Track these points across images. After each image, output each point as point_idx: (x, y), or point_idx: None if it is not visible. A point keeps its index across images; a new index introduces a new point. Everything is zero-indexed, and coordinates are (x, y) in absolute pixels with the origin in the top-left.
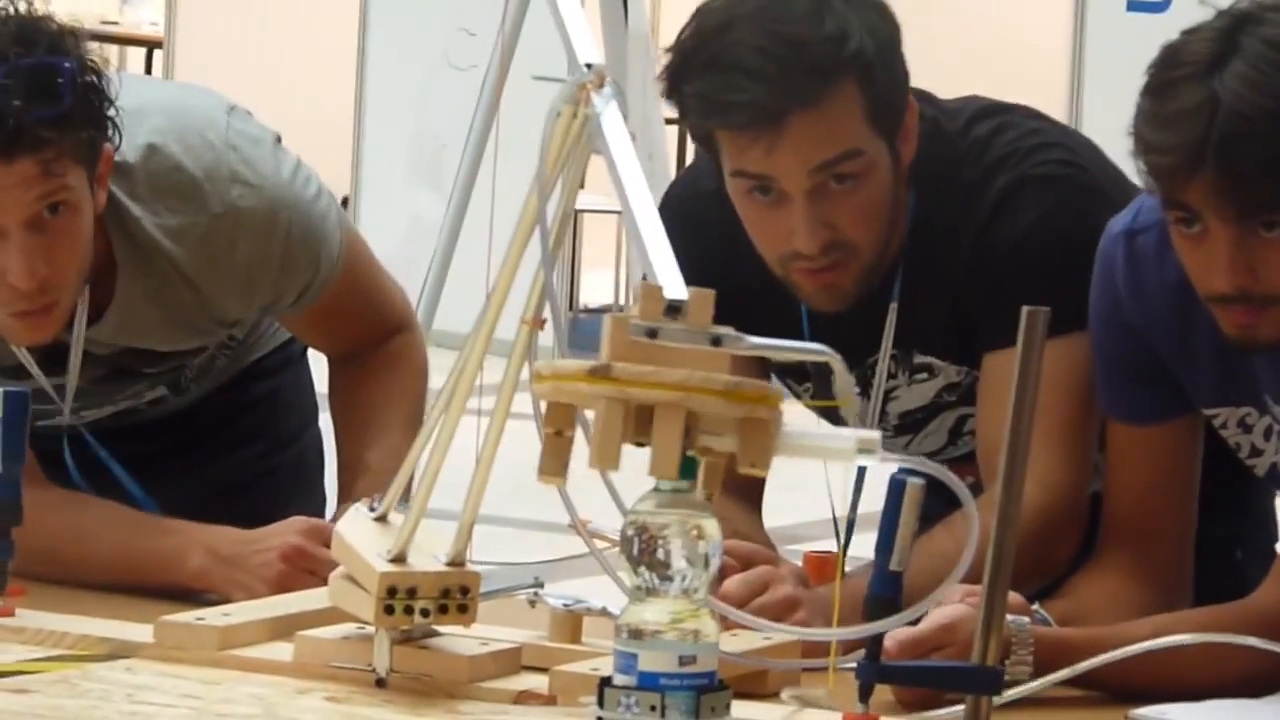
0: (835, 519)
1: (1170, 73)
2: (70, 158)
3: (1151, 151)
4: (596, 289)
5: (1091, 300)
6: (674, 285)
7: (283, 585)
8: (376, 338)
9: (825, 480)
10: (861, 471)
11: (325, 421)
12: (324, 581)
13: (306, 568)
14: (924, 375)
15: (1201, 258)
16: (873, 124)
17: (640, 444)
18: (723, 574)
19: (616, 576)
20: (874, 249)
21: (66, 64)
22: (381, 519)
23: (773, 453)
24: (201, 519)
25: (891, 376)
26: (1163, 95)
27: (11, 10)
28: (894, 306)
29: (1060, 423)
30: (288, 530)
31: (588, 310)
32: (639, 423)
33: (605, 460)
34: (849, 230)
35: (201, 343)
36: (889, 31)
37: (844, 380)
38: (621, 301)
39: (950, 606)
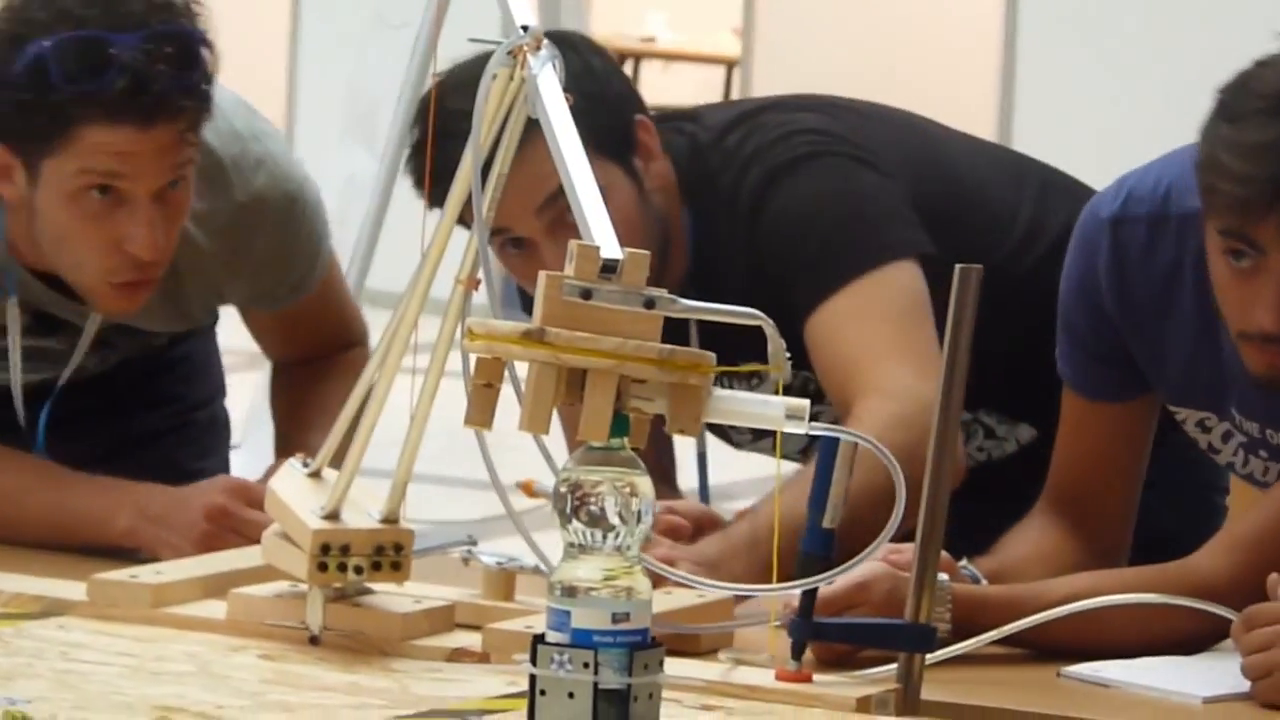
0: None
1: (1248, 103)
2: (195, 129)
3: (1226, 179)
4: None
5: (1065, 274)
6: (609, 245)
7: (207, 544)
8: (332, 349)
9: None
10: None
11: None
12: (249, 541)
13: (231, 527)
14: (756, 380)
15: (1248, 293)
16: (594, 150)
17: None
18: (667, 533)
19: (530, 540)
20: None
21: (201, 33)
22: (315, 475)
23: (702, 418)
24: (118, 471)
25: None
26: (1241, 125)
27: None
28: (693, 324)
29: (899, 340)
30: (213, 489)
31: None
32: (570, 384)
33: (536, 424)
34: None
35: (190, 328)
36: (590, 65)
37: (775, 344)
38: None
39: (868, 564)
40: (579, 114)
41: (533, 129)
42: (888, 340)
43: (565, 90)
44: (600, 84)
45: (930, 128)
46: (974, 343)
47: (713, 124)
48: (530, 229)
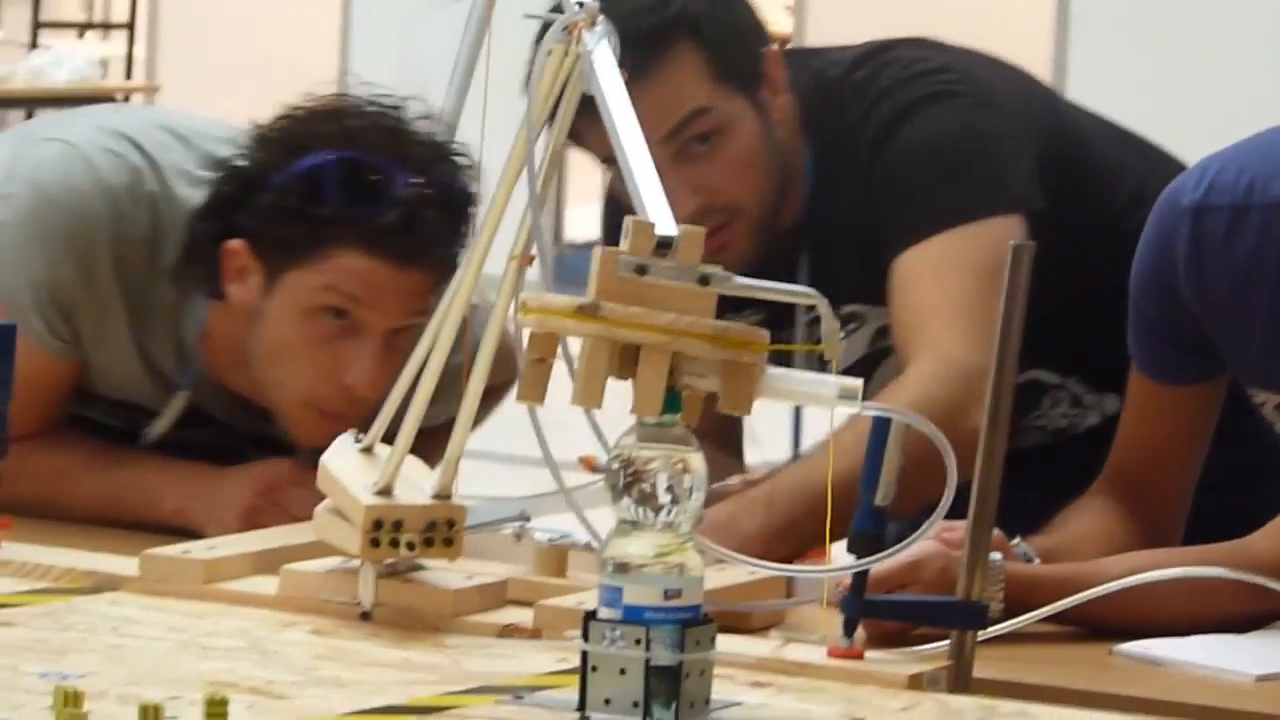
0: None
1: None
2: (444, 282)
3: None
4: (581, 225)
5: (1138, 257)
6: (664, 222)
7: (253, 521)
8: None
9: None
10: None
11: None
12: (295, 518)
13: (278, 503)
14: (854, 325)
15: None
16: (720, 80)
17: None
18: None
19: (582, 516)
20: (760, 204)
21: (475, 193)
22: (367, 451)
23: (755, 396)
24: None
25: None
26: None
27: (429, 126)
28: (805, 259)
29: (964, 300)
30: (260, 467)
31: (573, 246)
32: (624, 359)
33: (588, 398)
34: (724, 188)
35: None
36: None
37: (829, 324)
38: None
39: (921, 542)
40: (712, 43)
41: (660, 54)
42: (962, 301)
43: (697, 20)
44: (733, 14)
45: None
46: (1073, 306)
47: (839, 59)
48: (655, 157)
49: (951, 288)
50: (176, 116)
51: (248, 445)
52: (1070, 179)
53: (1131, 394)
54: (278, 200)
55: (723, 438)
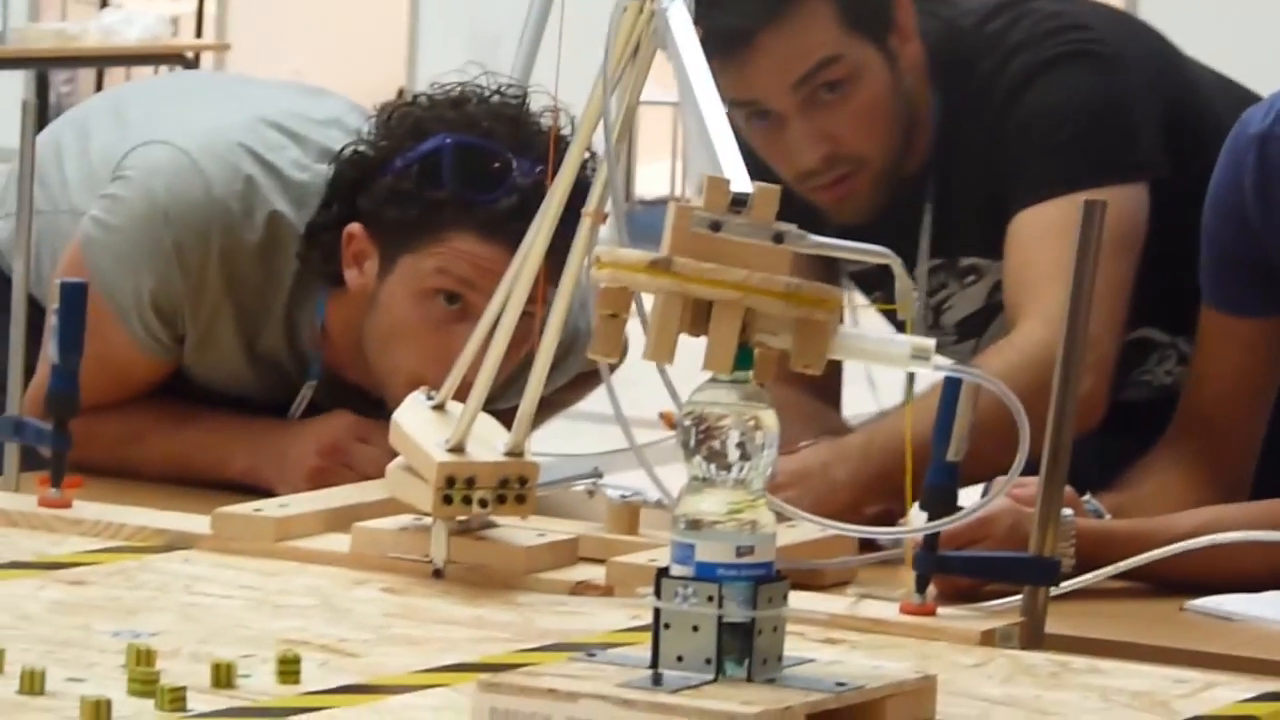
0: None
1: None
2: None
3: None
4: (652, 181)
5: (1211, 186)
6: (740, 179)
7: (319, 480)
8: None
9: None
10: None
11: None
12: (361, 476)
13: (343, 462)
14: (972, 278)
15: None
16: (852, 27)
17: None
18: None
19: (653, 473)
20: (885, 154)
21: (588, 179)
22: (440, 408)
23: (827, 354)
24: None
25: (942, 286)
26: None
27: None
28: (929, 208)
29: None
30: (326, 425)
31: (644, 202)
32: (696, 316)
33: (660, 353)
34: (850, 139)
35: None
36: None
37: (903, 283)
38: (678, 193)
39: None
40: None
41: (791, 2)
42: (1068, 265)
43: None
44: None
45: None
46: (1185, 267)
47: (973, 8)
48: (782, 104)
49: (1068, 252)
50: (280, 106)
51: None
52: (1191, 141)
53: (1202, 331)
54: (395, 184)
55: (819, 388)
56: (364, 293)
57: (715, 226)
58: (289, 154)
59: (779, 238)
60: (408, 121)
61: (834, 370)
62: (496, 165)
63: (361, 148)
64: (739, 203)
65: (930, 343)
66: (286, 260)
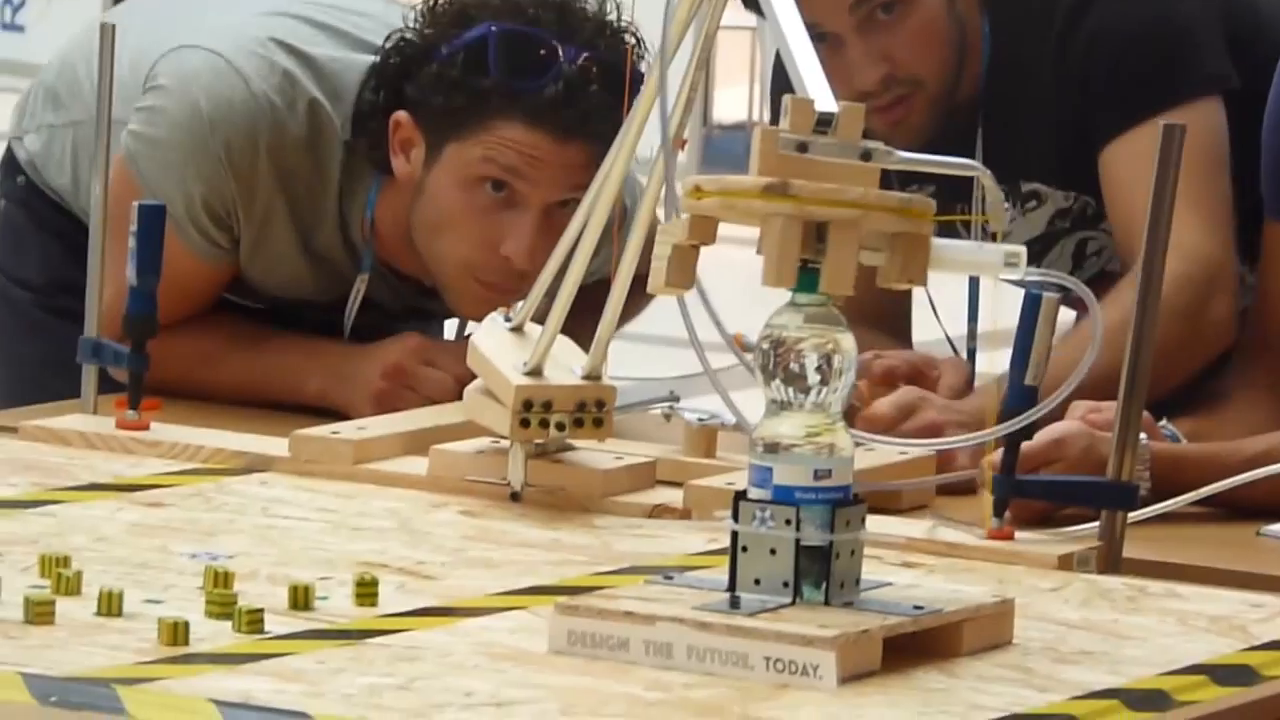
0: (949, 338)
1: None
2: (603, 157)
3: None
4: (729, 106)
5: (1271, 97)
6: (824, 98)
7: (384, 403)
8: None
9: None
10: (975, 290)
11: None
12: (426, 400)
13: (407, 385)
14: (1033, 204)
15: None
16: None
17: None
18: (883, 379)
19: (727, 397)
20: (940, 78)
21: (638, 69)
22: (517, 330)
23: (928, 267)
24: None
25: None
26: None
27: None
28: (980, 135)
29: (1192, 190)
30: (392, 347)
31: (721, 127)
32: (805, 237)
33: (783, 278)
34: (907, 60)
35: None
36: None
37: (994, 195)
38: (754, 118)
39: (1062, 422)
40: None
41: None
42: (1182, 189)
43: None
44: None
45: None
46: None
47: None
48: (840, 25)
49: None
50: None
51: (402, 326)
52: (1250, 53)
53: (1267, 248)
54: (441, 71)
55: (890, 325)
56: (411, 181)
57: (802, 148)
58: (324, 47)
59: (866, 155)
60: (453, 9)
61: (904, 307)
62: (542, 52)
63: (408, 35)
64: (824, 123)
65: (1022, 249)
66: (332, 152)
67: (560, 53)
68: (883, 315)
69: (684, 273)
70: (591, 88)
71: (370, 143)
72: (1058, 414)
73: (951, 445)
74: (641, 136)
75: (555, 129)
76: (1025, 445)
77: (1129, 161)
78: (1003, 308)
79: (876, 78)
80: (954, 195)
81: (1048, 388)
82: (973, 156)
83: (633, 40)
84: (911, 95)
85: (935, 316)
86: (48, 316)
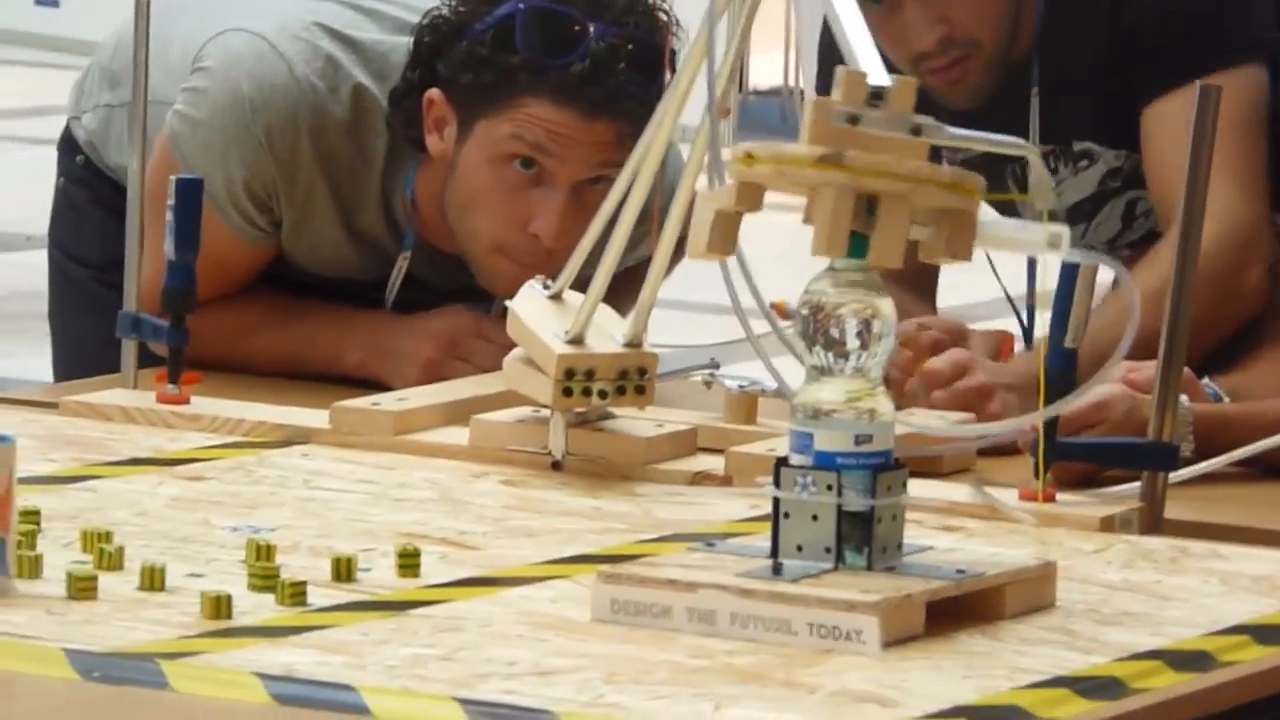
0: (1010, 298)
1: None
2: (636, 135)
3: None
4: (765, 71)
5: None
6: (877, 72)
7: (434, 373)
8: None
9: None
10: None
11: None
12: (476, 370)
13: (459, 355)
14: (1085, 163)
15: None
16: None
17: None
18: (925, 350)
19: (769, 363)
20: (996, 38)
21: (671, 46)
22: (557, 298)
23: (974, 244)
24: None
25: (1053, 171)
26: None
27: None
28: (1035, 93)
29: (1231, 155)
30: (442, 318)
31: (757, 93)
32: (856, 209)
33: (835, 248)
34: (964, 21)
35: None
36: None
37: (1041, 175)
38: (790, 84)
39: (1104, 385)
40: None
41: None
42: (1220, 153)
43: None
44: None
45: None
46: None
47: None
48: None
49: (1217, 138)
50: None
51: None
52: None
53: None
54: (471, 49)
55: (917, 285)
56: (446, 159)
57: (853, 120)
58: (365, 29)
59: (916, 130)
60: None
61: (933, 268)
62: (572, 29)
63: (443, 12)
64: (877, 96)
65: (1065, 230)
66: (376, 134)
67: (589, 29)
68: (911, 275)
69: (727, 239)
70: (620, 65)
71: (406, 121)
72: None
73: (999, 432)
74: (684, 108)
75: (583, 106)
76: (1068, 408)
77: (1168, 122)
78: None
79: (934, 39)
80: (1005, 159)
81: (1090, 351)
82: (1026, 116)
83: (664, 17)
84: (968, 56)
85: (995, 276)
86: (107, 293)
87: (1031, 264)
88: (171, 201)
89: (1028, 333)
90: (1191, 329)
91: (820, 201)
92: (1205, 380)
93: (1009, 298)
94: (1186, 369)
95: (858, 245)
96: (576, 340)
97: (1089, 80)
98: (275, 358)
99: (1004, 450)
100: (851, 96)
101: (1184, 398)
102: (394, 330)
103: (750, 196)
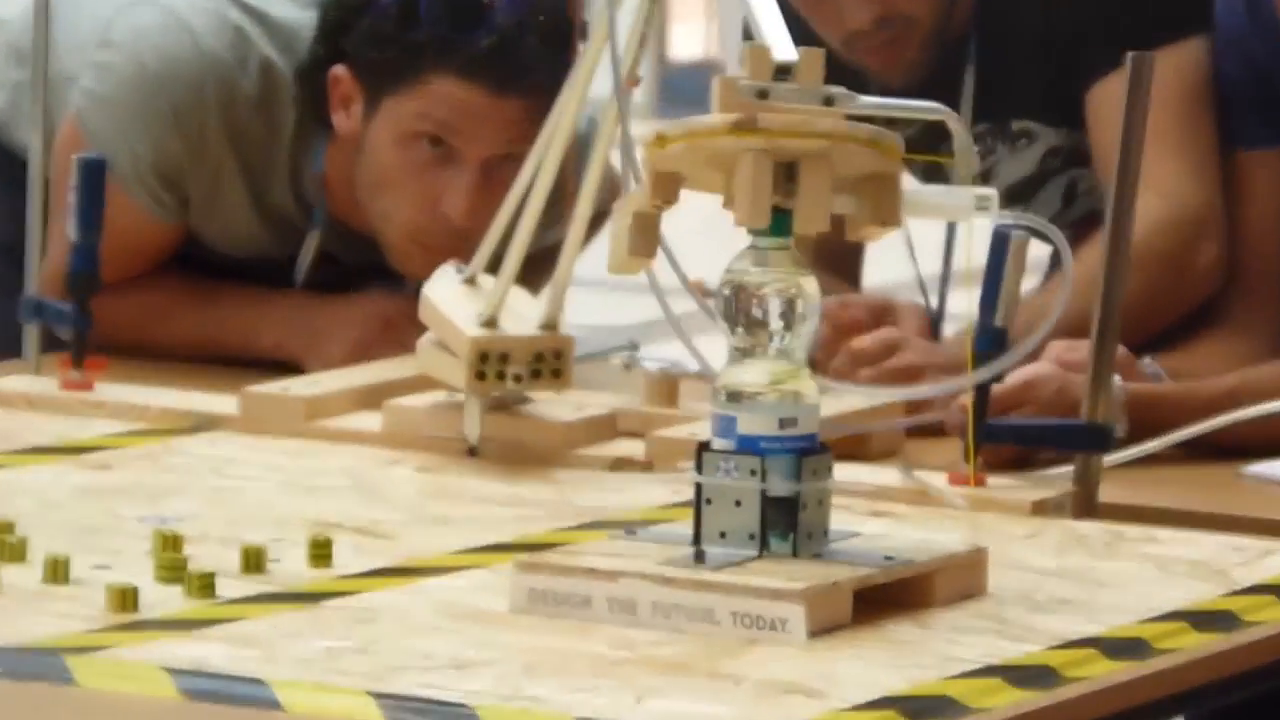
0: (920, 278)
1: None
2: (544, 111)
3: None
4: (686, 42)
5: (1223, 29)
6: (782, 46)
7: (363, 354)
8: None
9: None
10: (952, 229)
11: None
12: (405, 351)
13: (395, 340)
14: (1024, 141)
15: None
16: None
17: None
18: (849, 328)
19: (690, 344)
20: (933, 14)
21: (581, 19)
22: (471, 282)
23: (900, 210)
24: None
25: (989, 151)
26: None
27: None
28: (971, 70)
29: (1176, 132)
30: (377, 301)
31: (678, 65)
32: (775, 178)
33: (757, 217)
34: None
35: None
36: None
37: (963, 139)
38: (713, 55)
39: (1033, 364)
40: None
41: None
42: (1167, 131)
43: None
44: None
45: None
46: None
47: None
48: None
49: (1154, 119)
50: None
51: (367, 283)
52: None
53: (1238, 178)
54: (376, 24)
55: (840, 267)
56: (354, 137)
57: (762, 95)
58: (274, 3)
59: (829, 101)
60: None
61: (857, 247)
62: (477, 3)
63: None
64: (784, 71)
65: (993, 192)
66: (284, 109)
67: (495, 3)
68: (834, 256)
69: (648, 240)
70: (528, 40)
71: (312, 98)
72: (1033, 355)
73: (924, 395)
74: (593, 80)
75: (490, 83)
76: (995, 388)
77: (1114, 100)
78: (980, 246)
79: (869, 17)
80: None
81: (1026, 331)
82: (960, 93)
83: None
84: (905, 33)
85: (910, 255)
86: (17, 274)
87: (949, 238)
88: (74, 182)
89: (936, 316)
90: (1140, 309)
91: (740, 171)
92: (1146, 359)
93: (920, 279)
94: (1123, 348)
95: (779, 222)
96: (490, 323)
97: (1029, 58)
98: (187, 341)
99: (933, 432)
100: (758, 72)
101: (1117, 377)
102: (315, 310)
103: (666, 188)
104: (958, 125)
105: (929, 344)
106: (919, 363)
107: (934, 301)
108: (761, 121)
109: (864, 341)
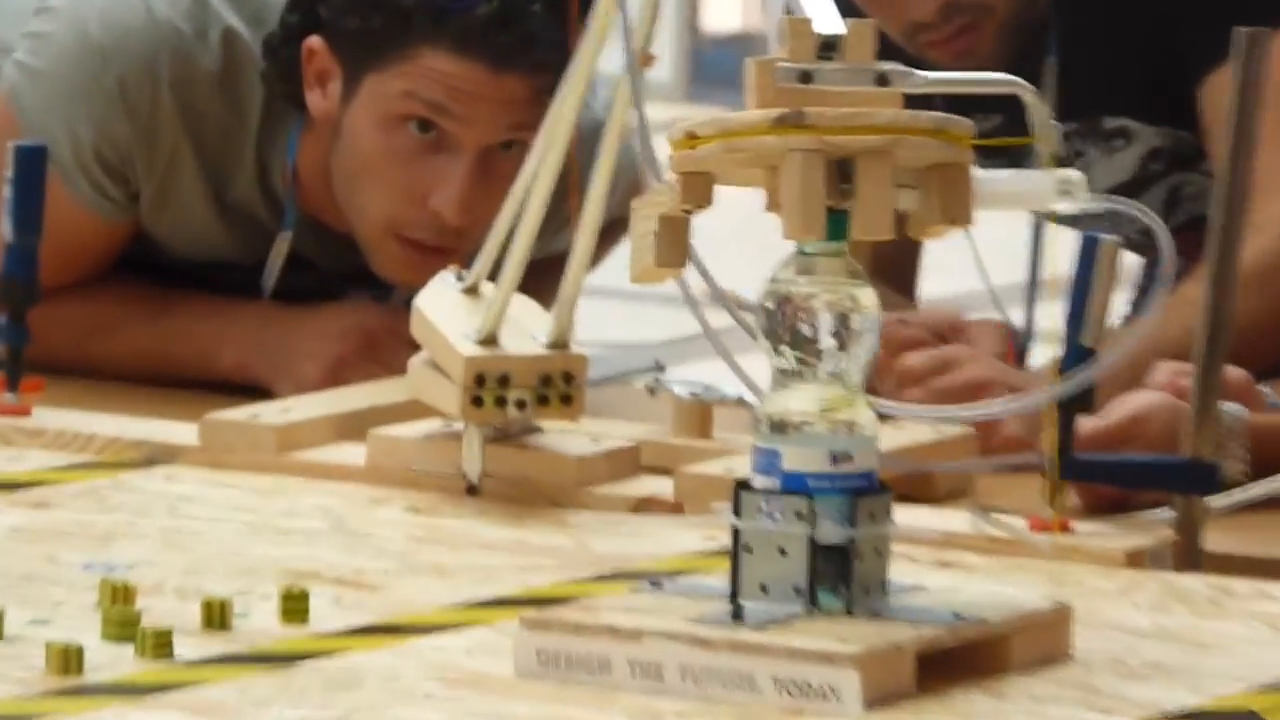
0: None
1: None
2: (551, 91)
3: None
4: (721, 12)
5: None
6: (826, 18)
7: (340, 377)
8: None
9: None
10: (1039, 231)
11: None
12: (393, 374)
13: (374, 359)
14: (1120, 142)
15: None
16: None
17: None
18: (905, 349)
19: (733, 362)
20: (1009, 1)
21: None
22: (471, 291)
23: (973, 204)
24: None
25: (1078, 154)
26: None
27: None
28: (1051, 62)
29: None
30: (355, 313)
31: (714, 39)
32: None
33: (811, 228)
34: None
35: None
36: None
37: (1040, 113)
38: (752, 26)
39: (1145, 393)
40: None
41: None
42: None
43: None
44: None
45: None
46: None
47: None
48: None
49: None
50: None
51: (349, 291)
52: None
53: None
54: None
55: (893, 276)
56: (329, 120)
57: (805, 78)
58: None
59: (883, 79)
60: None
61: (913, 255)
62: None
63: None
64: (829, 47)
65: (1078, 174)
66: (250, 88)
67: None
68: (885, 262)
69: (677, 248)
70: (533, 7)
71: (283, 75)
72: (1140, 383)
73: (989, 415)
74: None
75: (490, 57)
76: (1096, 423)
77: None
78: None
79: (934, 6)
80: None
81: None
82: (1041, 89)
83: None
84: (978, 22)
85: (977, 262)
86: None
87: (1035, 241)
88: (9, 173)
89: (1023, 337)
90: (1264, 335)
91: (787, 176)
92: (1265, 388)
93: (992, 291)
94: (1241, 372)
95: (835, 224)
96: (488, 340)
97: (1121, 46)
98: (136, 359)
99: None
100: (799, 50)
101: (1237, 406)
102: (285, 325)
103: (697, 189)
104: (1034, 100)
105: (999, 363)
106: (983, 377)
107: (1017, 318)
108: (809, 117)
109: (912, 358)
